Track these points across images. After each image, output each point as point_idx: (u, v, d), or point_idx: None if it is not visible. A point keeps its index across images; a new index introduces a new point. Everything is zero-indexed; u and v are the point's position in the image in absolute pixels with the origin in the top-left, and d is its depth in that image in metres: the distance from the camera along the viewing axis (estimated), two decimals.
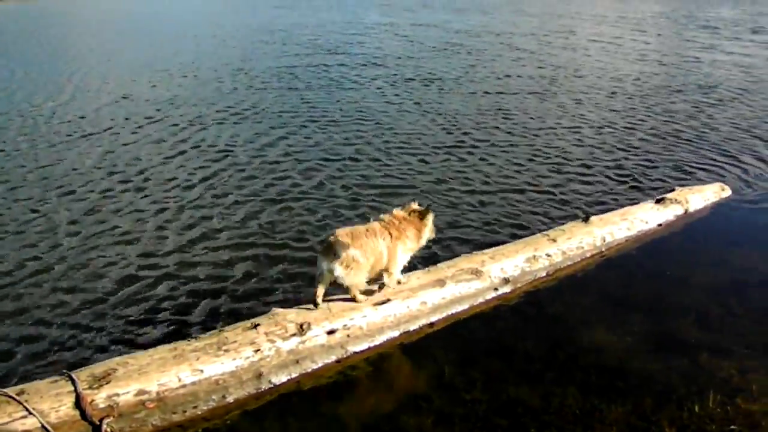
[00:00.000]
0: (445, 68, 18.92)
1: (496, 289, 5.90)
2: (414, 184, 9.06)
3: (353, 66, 19.47)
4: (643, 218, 7.24)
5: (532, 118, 12.91)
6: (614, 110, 13.46)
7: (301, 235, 7.39)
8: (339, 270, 5.04)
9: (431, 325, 5.47)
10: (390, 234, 5.34)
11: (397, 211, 5.55)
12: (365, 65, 19.59)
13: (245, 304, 5.89)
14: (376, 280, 5.48)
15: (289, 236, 7.37)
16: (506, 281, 5.97)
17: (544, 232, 6.70)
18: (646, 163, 9.80)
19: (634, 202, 7.95)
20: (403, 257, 5.51)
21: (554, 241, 6.48)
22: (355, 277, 5.15)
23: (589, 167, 9.67)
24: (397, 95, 15.15)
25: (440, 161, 10.08)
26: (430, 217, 5.61)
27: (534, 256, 6.24)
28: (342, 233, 5.10)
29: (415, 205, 5.62)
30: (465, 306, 5.70)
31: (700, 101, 14.17)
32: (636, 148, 10.69)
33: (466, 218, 7.76)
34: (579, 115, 13.07)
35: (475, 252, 6.23)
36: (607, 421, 4.37)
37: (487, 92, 15.42)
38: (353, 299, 5.29)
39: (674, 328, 5.47)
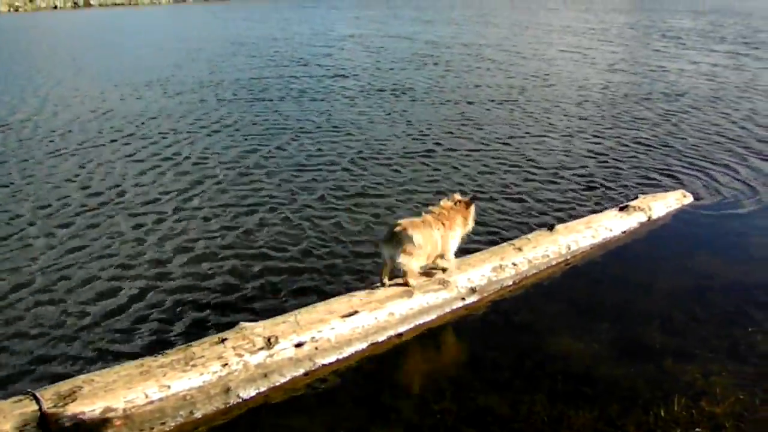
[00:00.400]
0: (416, 79, 19.21)
1: (463, 298, 5.93)
2: (387, 193, 9.19)
3: (324, 77, 19.74)
4: (607, 226, 7.33)
5: (502, 126, 13.12)
6: (582, 118, 13.69)
7: (274, 246, 7.41)
8: (401, 257, 5.57)
9: (399, 336, 5.48)
10: (443, 224, 5.87)
11: (445, 202, 6.08)
12: (337, 76, 19.86)
13: (215, 317, 5.87)
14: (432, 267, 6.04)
15: (261, 248, 7.39)
16: (473, 291, 6.01)
17: (510, 241, 6.75)
18: (613, 171, 9.93)
19: (600, 209, 8.05)
20: (455, 243, 6.05)
21: (520, 250, 6.53)
22: (413, 264, 5.66)
23: (556, 175, 9.80)
24: (369, 106, 15.34)
25: (412, 170, 10.23)
26: (473, 207, 6.19)
27: (500, 266, 6.28)
28: (404, 224, 5.59)
29: (458, 196, 6.16)
30: (433, 316, 5.72)
31: (664, 109, 14.43)
32: (602, 154, 10.85)
33: None
34: (548, 124, 13.27)
35: None
36: (575, 428, 4.40)
37: (457, 102, 15.69)
38: (406, 284, 5.76)
39: (639, 334, 5.53)
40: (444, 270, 6.02)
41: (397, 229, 5.58)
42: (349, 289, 5.95)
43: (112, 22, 47.38)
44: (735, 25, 37.22)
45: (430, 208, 6.02)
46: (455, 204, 6.08)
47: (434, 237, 5.76)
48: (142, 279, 6.68)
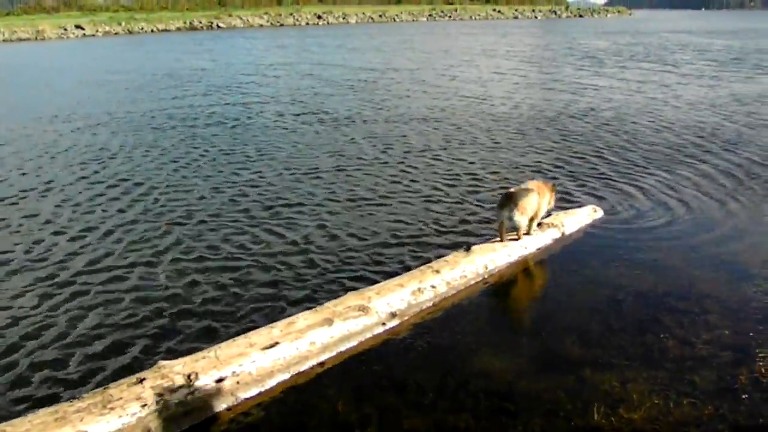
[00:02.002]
0: (353, 103, 19.93)
1: (384, 323, 5.92)
2: (338, 209, 9.38)
3: (260, 104, 20.27)
4: (522, 244, 7.46)
5: (434, 142, 13.79)
6: (503, 138, 14.25)
7: (193, 281, 7.22)
8: (516, 215, 7.07)
9: (322, 364, 5.43)
10: (540, 195, 7.35)
11: (535, 181, 7.62)
12: (274, 103, 20.29)
13: (131, 358, 5.68)
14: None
15: (182, 282, 7.18)
16: (393, 315, 6.01)
17: (428, 264, 6.80)
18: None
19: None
20: (544, 211, 7.62)
21: (438, 272, 6.58)
22: (525, 221, 7.21)
23: (475, 193, 10.07)
24: (313, 133, 15.63)
25: (359, 185, 10.56)
26: (555, 189, 7.91)
27: (419, 289, 6.31)
28: (517, 190, 7.15)
29: (541, 180, 7.84)
30: (354, 343, 5.69)
31: (582, 125, 15.28)
32: (526, 166, 11.34)
33: (356, 251, 7.84)
34: (471, 142, 13.82)
35: (361, 289, 6.27)
36: None
37: (394, 121, 16.50)
38: (518, 238, 7.40)
39: (558, 347, 5.63)
40: (538, 225, 7.69)
41: (512, 192, 7.10)
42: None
43: (22, 59, 45.98)
44: (642, 45, 39.59)
45: (528, 182, 7.51)
46: (542, 184, 7.61)
47: (534, 203, 7.24)
48: (50, 325, 6.40)
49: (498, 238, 7.44)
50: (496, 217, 7.41)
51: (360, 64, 31.91)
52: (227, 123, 16.98)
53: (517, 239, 7.40)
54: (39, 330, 6.24)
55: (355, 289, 6.37)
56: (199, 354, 5.13)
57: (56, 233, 8.84)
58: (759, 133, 13.95)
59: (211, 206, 9.83)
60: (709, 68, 27.51)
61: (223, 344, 5.26)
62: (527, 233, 7.49)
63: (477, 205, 9.44)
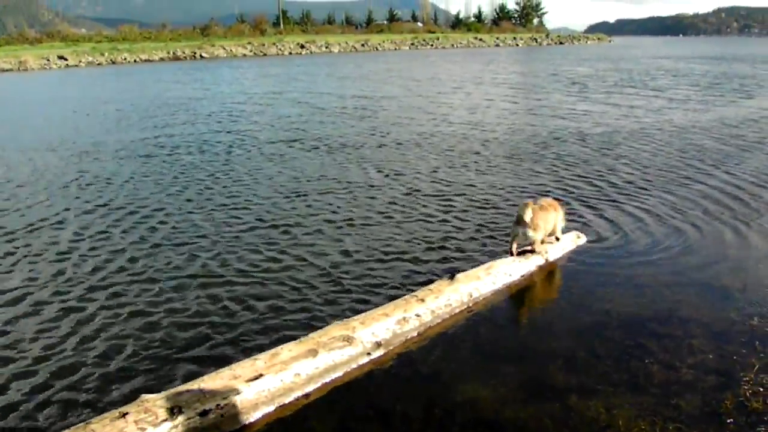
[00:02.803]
0: (340, 130, 20.20)
1: (369, 353, 5.90)
2: (328, 229, 9.11)
3: (249, 132, 20.30)
4: (506, 271, 7.50)
5: (421, 171, 13.77)
6: (495, 163, 14.39)
7: (181, 311, 7.15)
8: (529, 231, 7.64)
9: (307, 396, 5.39)
10: (555, 210, 8.04)
11: (549, 199, 8.18)
12: (259, 131, 20.42)
13: (114, 391, 5.61)
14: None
15: (162, 314, 7.09)
16: (378, 345, 5.98)
17: (413, 293, 6.79)
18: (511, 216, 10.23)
19: (499, 255, 8.22)
20: (561, 224, 8.28)
21: (423, 301, 6.58)
22: (538, 236, 7.77)
23: (467, 218, 10.14)
24: (296, 156, 15.92)
25: (341, 218, 10.22)
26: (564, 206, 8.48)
27: (404, 318, 6.30)
28: (532, 208, 7.58)
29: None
30: (339, 373, 5.66)
31: (564, 152, 15.34)
32: (519, 189, 11.30)
33: (340, 282, 7.78)
34: (462, 167, 13.95)
35: (345, 319, 6.24)
36: None
37: (387, 146, 16.89)
38: (533, 251, 7.94)
39: (544, 374, 5.63)
40: (558, 239, 8.34)
41: (524, 210, 7.54)
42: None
43: (6, 89, 45.92)
44: (626, 71, 40.23)
45: (540, 200, 7.99)
46: (555, 200, 8.27)
47: (550, 219, 7.91)
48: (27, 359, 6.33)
49: (476, 261, 7.78)
50: (512, 232, 7.88)
51: (349, 92, 32.17)
52: (221, 151, 17.03)
53: (531, 251, 7.98)
54: (16, 357, 6.19)
55: (347, 312, 6.37)
56: (183, 387, 5.08)
57: (56, 261, 8.76)
58: (745, 157, 14.14)
59: (209, 230, 9.89)
60: (694, 93, 28.02)
61: (207, 377, 5.22)
62: (539, 249, 8.01)
63: (469, 229, 9.52)
